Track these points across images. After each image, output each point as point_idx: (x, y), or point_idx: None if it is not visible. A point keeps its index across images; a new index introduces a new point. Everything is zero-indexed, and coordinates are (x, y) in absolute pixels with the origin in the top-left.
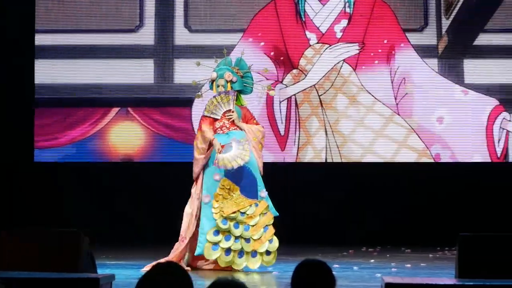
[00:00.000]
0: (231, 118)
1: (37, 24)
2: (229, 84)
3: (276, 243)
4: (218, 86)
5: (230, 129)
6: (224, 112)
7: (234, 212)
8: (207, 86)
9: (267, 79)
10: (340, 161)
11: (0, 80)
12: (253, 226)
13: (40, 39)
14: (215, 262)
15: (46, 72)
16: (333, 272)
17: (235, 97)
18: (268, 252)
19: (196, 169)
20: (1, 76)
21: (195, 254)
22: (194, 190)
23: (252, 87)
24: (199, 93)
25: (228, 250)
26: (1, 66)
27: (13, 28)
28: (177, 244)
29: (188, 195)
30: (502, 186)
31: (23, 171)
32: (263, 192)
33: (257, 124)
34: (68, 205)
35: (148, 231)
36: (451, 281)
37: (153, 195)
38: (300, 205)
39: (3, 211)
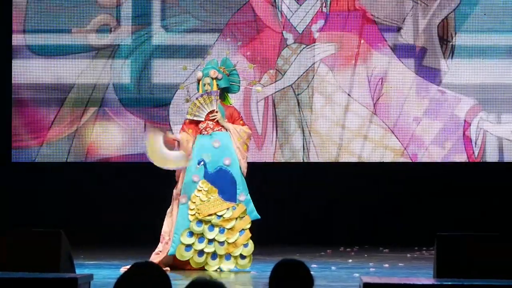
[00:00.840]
0: (215, 119)
1: (13, 24)
2: (214, 81)
3: (251, 247)
4: (204, 85)
5: (215, 129)
6: (208, 113)
7: (210, 215)
8: (195, 88)
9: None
10: (318, 161)
11: None
12: (229, 229)
13: (17, 39)
14: (186, 263)
15: (24, 72)
16: (311, 272)
17: (218, 97)
18: (242, 256)
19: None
20: None
21: (168, 253)
22: (175, 190)
23: (239, 85)
24: (188, 97)
25: (201, 252)
26: None
27: None
28: (160, 245)
29: (167, 195)
30: (479, 186)
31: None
32: (242, 196)
33: (243, 124)
34: (44, 205)
35: (126, 231)
36: (430, 281)
37: (131, 195)
38: (278, 205)
39: None
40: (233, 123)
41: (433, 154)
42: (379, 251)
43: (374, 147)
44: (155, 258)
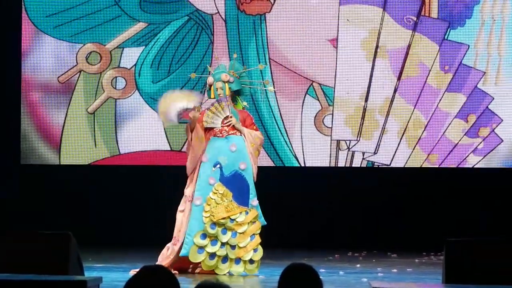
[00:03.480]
0: (230, 124)
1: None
2: (226, 85)
3: (260, 252)
4: (216, 89)
5: (229, 132)
6: (223, 120)
7: (224, 218)
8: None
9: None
10: (324, 165)
11: None
12: (240, 233)
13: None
14: (199, 265)
15: (34, 71)
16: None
17: (230, 101)
18: (251, 261)
19: (190, 164)
20: None
21: (180, 254)
22: (188, 191)
23: (250, 87)
24: (199, 105)
25: (212, 255)
26: None
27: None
28: (169, 245)
29: (177, 197)
30: (489, 189)
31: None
32: (254, 201)
33: (256, 130)
34: (52, 207)
35: (135, 234)
36: (438, 286)
37: (141, 197)
38: (285, 210)
39: None
40: (246, 127)
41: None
42: (387, 256)
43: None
44: (164, 259)
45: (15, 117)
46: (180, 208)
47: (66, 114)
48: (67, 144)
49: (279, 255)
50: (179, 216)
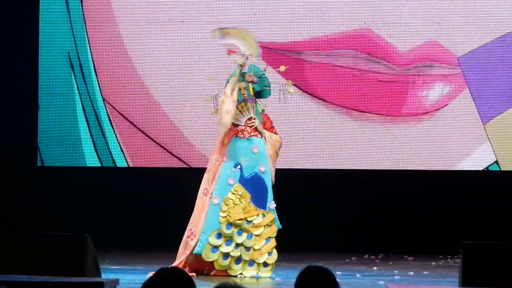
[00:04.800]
0: (253, 125)
1: None
2: (250, 85)
3: (275, 256)
4: (239, 89)
5: (251, 134)
6: (246, 120)
7: (240, 219)
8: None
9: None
10: (342, 168)
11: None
12: (256, 236)
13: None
14: (211, 264)
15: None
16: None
17: (254, 103)
18: (265, 264)
19: (225, 119)
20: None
21: (194, 252)
22: (207, 182)
23: (270, 89)
24: (216, 107)
25: (226, 255)
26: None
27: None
28: (185, 238)
29: (192, 199)
30: (506, 193)
31: (27, 173)
32: (272, 204)
33: (276, 133)
34: (69, 209)
35: (151, 236)
36: None
37: (157, 199)
38: (302, 212)
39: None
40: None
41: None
42: (404, 259)
43: (399, 154)
44: (181, 255)
45: (33, 118)
46: (198, 199)
47: (85, 115)
48: (82, 146)
49: (295, 257)
50: (197, 207)
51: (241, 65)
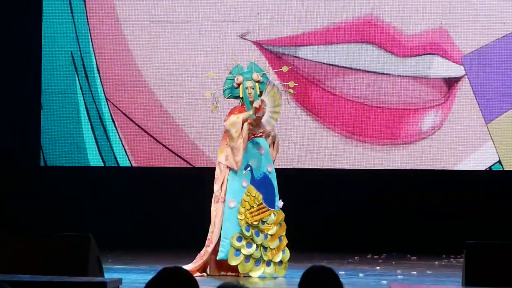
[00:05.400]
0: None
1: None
2: (257, 85)
3: (288, 254)
4: (246, 88)
5: (256, 135)
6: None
7: (256, 220)
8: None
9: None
10: (345, 167)
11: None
12: (271, 235)
13: None
14: (234, 269)
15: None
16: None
17: (263, 105)
18: (280, 263)
19: (238, 157)
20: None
21: (218, 258)
22: (218, 191)
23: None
24: (215, 104)
25: (248, 257)
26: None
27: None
28: (204, 249)
29: (198, 198)
30: (509, 192)
31: (29, 173)
32: (280, 203)
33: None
34: (72, 209)
35: (155, 236)
36: None
37: (161, 199)
38: (305, 211)
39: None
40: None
41: (460, 161)
42: (407, 259)
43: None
44: (197, 261)
45: (35, 117)
46: (212, 208)
47: (89, 115)
48: (85, 145)
49: (298, 257)
50: (213, 216)
51: (256, 108)
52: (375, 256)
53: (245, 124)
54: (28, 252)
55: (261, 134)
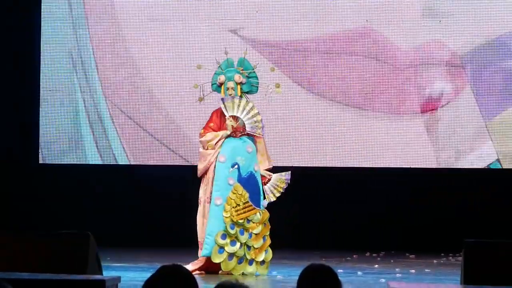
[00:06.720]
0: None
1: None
2: (239, 86)
3: (270, 254)
4: (227, 89)
5: (243, 133)
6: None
7: (242, 219)
8: (208, 88)
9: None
10: (343, 166)
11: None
12: (255, 234)
13: None
14: (219, 266)
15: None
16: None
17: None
18: (263, 262)
19: (201, 165)
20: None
21: (201, 255)
22: (203, 192)
23: (257, 87)
24: (201, 96)
25: (231, 255)
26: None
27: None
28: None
29: (194, 197)
30: (507, 192)
31: (28, 172)
32: (265, 202)
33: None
34: (71, 207)
35: (153, 234)
36: (457, 287)
37: (159, 198)
38: (303, 210)
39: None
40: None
41: (460, 160)
42: (405, 257)
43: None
44: (195, 264)
45: (34, 116)
46: (198, 213)
47: (87, 113)
48: (85, 143)
49: (296, 255)
50: (199, 218)
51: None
52: (374, 254)
53: (223, 133)
54: (27, 250)
55: (246, 133)
